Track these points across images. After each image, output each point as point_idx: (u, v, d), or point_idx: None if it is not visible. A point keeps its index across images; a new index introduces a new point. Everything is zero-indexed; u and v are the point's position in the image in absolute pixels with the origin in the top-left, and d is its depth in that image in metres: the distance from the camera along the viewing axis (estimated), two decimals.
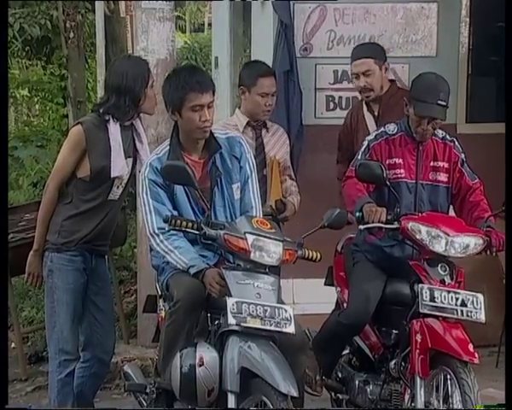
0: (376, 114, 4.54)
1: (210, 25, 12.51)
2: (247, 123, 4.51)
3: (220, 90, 6.72)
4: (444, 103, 3.83)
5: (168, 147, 3.68)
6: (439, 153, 3.95)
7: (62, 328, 3.98)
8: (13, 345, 5.57)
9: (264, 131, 4.56)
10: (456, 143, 4.00)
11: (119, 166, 3.93)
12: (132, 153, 4.04)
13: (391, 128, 3.99)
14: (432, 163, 3.94)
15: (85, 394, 4.15)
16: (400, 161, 3.92)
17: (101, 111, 3.94)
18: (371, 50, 4.57)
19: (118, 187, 4.01)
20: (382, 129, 4.02)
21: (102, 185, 3.96)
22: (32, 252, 4.02)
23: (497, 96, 5.75)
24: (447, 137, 4.00)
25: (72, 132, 3.97)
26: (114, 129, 3.92)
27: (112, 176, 3.92)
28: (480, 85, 5.79)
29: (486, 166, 5.01)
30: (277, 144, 4.59)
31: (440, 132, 3.99)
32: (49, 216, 3.98)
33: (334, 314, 4.13)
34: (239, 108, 4.58)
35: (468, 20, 5.68)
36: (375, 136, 3.98)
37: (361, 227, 3.78)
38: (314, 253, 3.55)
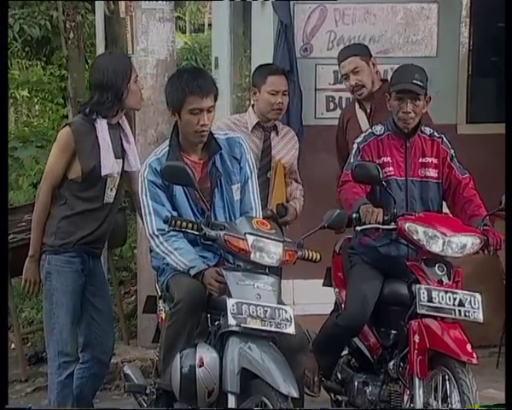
0: (369, 110, 4.56)
1: (210, 25, 12.50)
2: (257, 123, 4.51)
3: (220, 90, 6.69)
4: (420, 83, 3.87)
5: (167, 148, 3.67)
6: (428, 149, 3.96)
7: (61, 330, 3.97)
8: (13, 346, 5.57)
9: (273, 133, 4.56)
10: (445, 139, 4.02)
11: (109, 164, 3.93)
12: (121, 153, 4.05)
13: (378, 129, 4.02)
14: (420, 160, 3.95)
15: (85, 394, 4.14)
16: (389, 159, 3.94)
17: (86, 111, 3.95)
18: (355, 49, 4.68)
19: (111, 189, 4.01)
20: (370, 130, 4.06)
21: (95, 186, 3.96)
22: (28, 258, 4.01)
23: (497, 97, 5.74)
24: (435, 133, 4.02)
25: (61, 134, 3.97)
26: (102, 128, 3.93)
27: (102, 174, 3.92)
28: (481, 86, 5.78)
29: (487, 167, 5.02)
30: (285, 148, 4.58)
31: (428, 130, 4.01)
32: (43, 220, 3.97)
33: (332, 316, 4.14)
34: (253, 106, 4.58)
35: (468, 20, 5.68)
36: (364, 137, 4.01)
37: (358, 228, 3.78)
38: (314, 253, 3.55)
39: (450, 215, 3.99)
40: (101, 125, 3.93)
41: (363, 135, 4.04)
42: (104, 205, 4.00)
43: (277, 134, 4.57)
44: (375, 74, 4.55)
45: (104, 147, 3.92)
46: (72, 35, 8.98)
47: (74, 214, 3.96)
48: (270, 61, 5.21)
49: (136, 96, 4.01)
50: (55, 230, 3.95)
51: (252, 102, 4.62)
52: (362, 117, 4.58)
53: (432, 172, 3.95)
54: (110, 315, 4.30)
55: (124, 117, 4.09)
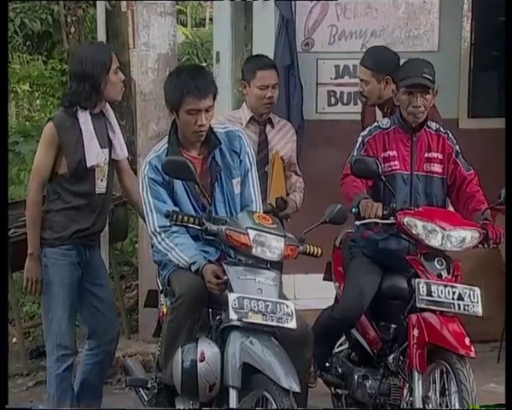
0: (385, 110, 4.53)
1: (211, 19, 12.48)
2: (252, 117, 4.51)
3: (221, 85, 6.70)
4: (429, 77, 3.86)
5: (167, 144, 3.66)
6: (433, 144, 3.96)
7: (59, 323, 3.98)
8: (14, 340, 5.58)
9: (269, 127, 4.55)
10: (450, 134, 4.02)
11: (94, 154, 3.92)
12: (108, 143, 4.04)
13: (384, 122, 4.02)
14: (426, 154, 3.95)
15: (91, 381, 4.17)
16: (394, 153, 3.93)
17: (66, 103, 3.94)
18: (373, 60, 4.44)
19: (101, 180, 4.01)
20: (376, 123, 4.05)
21: (84, 179, 3.96)
22: (28, 257, 3.99)
23: (499, 91, 5.73)
24: (441, 129, 4.01)
25: (45, 130, 3.97)
26: (84, 119, 3.92)
27: (88, 166, 3.91)
28: (482, 80, 5.77)
29: (489, 162, 5.01)
30: (282, 140, 4.57)
31: (434, 125, 4.01)
32: (37, 217, 3.96)
33: (328, 309, 4.14)
34: (245, 101, 4.57)
35: (470, 14, 5.68)
36: (369, 130, 4.00)
37: (357, 223, 3.78)
38: (315, 248, 3.55)
39: (452, 210, 3.99)
40: (84, 117, 3.92)
41: (368, 128, 4.03)
42: (97, 196, 4.00)
43: (273, 127, 4.57)
44: (384, 90, 4.38)
45: (87, 137, 3.91)
46: (73, 29, 8.97)
47: (69, 208, 3.96)
48: (271, 56, 5.20)
49: (116, 87, 3.98)
50: (51, 223, 3.96)
51: (244, 99, 4.61)
52: (379, 115, 4.56)
53: (437, 168, 3.95)
54: (112, 303, 4.31)
55: (108, 106, 4.07)
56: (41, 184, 3.95)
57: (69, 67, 4.10)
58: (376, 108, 4.59)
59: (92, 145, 3.91)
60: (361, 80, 4.50)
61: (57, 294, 3.96)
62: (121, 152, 4.10)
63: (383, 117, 4.49)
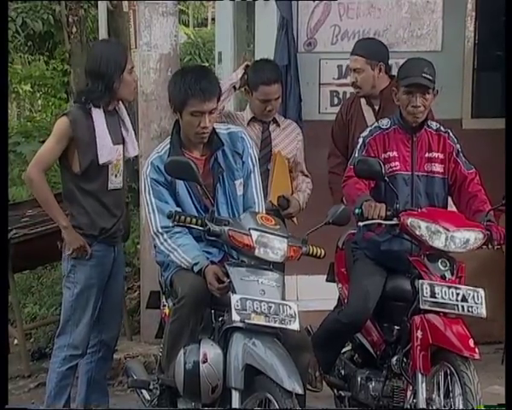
0: (377, 108, 4.53)
1: (213, 19, 12.49)
2: (253, 117, 4.52)
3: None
4: (429, 77, 3.85)
5: (169, 145, 3.65)
6: (434, 144, 3.94)
7: (77, 323, 4.00)
8: (16, 341, 5.57)
9: (274, 125, 4.57)
10: (451, 133, 4.00)
11: (106, 151, 3.94)
12: (121, 140, 4.05)
13: (384, 122, 4.00)
14: (427, 154, 3.94)
15: (97, 379, 4.18)
16: (395, 153, 3.92)
17: (82, 99, 3.95)
18: (366, 49, 4.55)
19: (116, 176, 4.02)
20: (376, 124, 4.04)
21: (98, 176, 3.96)
22: (64, 231, 3.96)
23: (502, 91, 5.71)
24: (441, 128, 4.00)
25: (59, 123, 3.98)
26: (98, 115, 3.93)
27: (100, 162, 3.91)
28: (486, 80, 5.76)
29: (492, 162, 4.99)
30: (286, 139, 4.58)
31: (434, 124, 4.00)
32: (50, 196, 3.97)
33: (334, 312, 4.12)
34: (249, 104, 4.59)
35: (473, 14, 5.67)
36: (370, 131, 3.98)
37: (360, 224, 3.76)
38: (318, 249, 3.53)
39: (456, 211, 3.97)
40: (97, 113, 3.93)
41: (368, 129, 4.02)
42: (113, 192, 4.01)
43: (279, 126, 4.58)
44: (379, 79, 4.47)
45: (99, 134, 3.92)
46: (74, 29, 8.97)
47: (89, 211, 3.98)
48: (272, 56, 5.20)
49: (130, 87, 4.00)
50: (76, 227, 3.98)
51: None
52: (368, 113, 4.55)
53: (438, 168, 3.93)
54: (120, 301, 4.33)
55: (121, 104, 4.07)
56: (43, 170, 3.96)
57: (85, 64, 4.09)
58: (365, 109, 4.56)
59: (105, 142, 3.92)
60: (354, 70, 4.52)
61: (81, 294, 3.98)
62: (133, 150, 4.14)
63: (374, 115, 4.49)
